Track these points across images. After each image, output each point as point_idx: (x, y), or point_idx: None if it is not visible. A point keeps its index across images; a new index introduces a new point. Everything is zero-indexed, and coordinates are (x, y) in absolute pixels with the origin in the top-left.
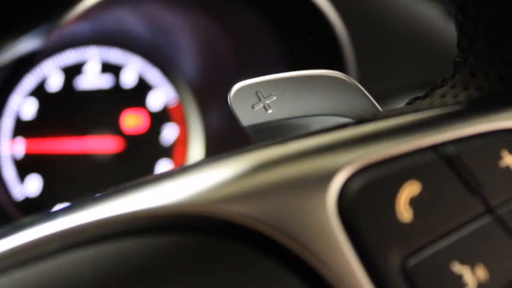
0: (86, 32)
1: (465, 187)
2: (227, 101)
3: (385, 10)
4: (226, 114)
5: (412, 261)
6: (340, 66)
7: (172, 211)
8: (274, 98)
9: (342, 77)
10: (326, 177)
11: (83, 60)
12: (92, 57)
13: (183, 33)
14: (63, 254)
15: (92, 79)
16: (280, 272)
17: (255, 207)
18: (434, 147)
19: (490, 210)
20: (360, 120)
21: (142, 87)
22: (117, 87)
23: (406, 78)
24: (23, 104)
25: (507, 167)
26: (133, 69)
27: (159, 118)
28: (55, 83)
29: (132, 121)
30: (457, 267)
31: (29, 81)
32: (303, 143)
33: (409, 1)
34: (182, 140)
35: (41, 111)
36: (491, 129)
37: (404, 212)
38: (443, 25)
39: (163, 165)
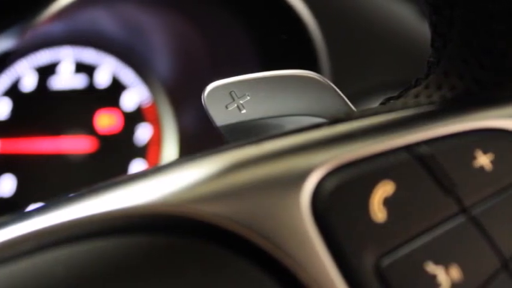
0: (59, 32)
1: (439, 187)
2: (201, 101)
3: (359, 10)
4: (200, 114)
5: (386, 261)
6: (314, 66)
7: (145, 211)
8: (248, 98)
9: (315, 77)
10: (300, 177)
11: (57, 60)
12: (66, 57)
13: (156, 33)
14: (37, 254)
15: (66, 79)
16: (254, 272)
17: (229, 207)
18: (408, 147)
19: (464, 210)
20: (333, 120)
21: (116, 87)
22: (90, 87)
23: (380, 78)
24: None
25: (481, 167)
26: (107, 69)
27: (133, 118)
28: (29, 83)
29: (106, 121)
30: (431, 267)
31: (3, 81)
32: (277, 143)
33: (383, 1)
34: (156, 140)
35: (14, 111)
36: (465, 129)
37: (378, 212)
38: (417, 25)
39: (137, 165)
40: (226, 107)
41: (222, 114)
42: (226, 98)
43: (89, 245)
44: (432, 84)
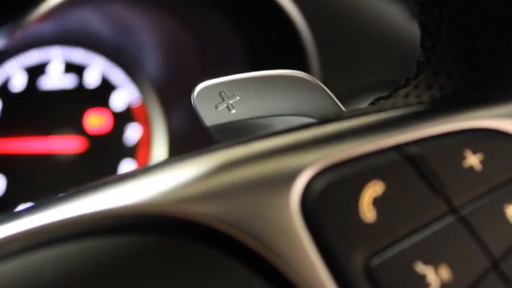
0: (49, 32)
1: (428, 187)
2: (190, 101)
3: (348, 10)
4: (189, 115)
5: (376, 261)
6: (303, 66)
7: (135, 211)
8: (238, 98)
9: (305, 77)
10: (289, 177)
11: (47, 60)
12: (56, 57)
13: (146, 33)
14: (26, 254)
15: (56, 79)
16: (244, 272)
17: (218, 208)
18: (397, 147)
19: (453, 210)
20: (323, 120)
21: (106, 87)
22: (80, 87)
23: (369, 78)
24: None
25: (470, 167)
26: (97, 69)
27: (123, 118)
28: (18, 83)
29: (95, 121)
30: (421, 267)
31: None
32: (267, 143)
33: (372, 1)
34: (145, 140)
35: (4, 111)
36: (454, 129)
37: (368, 212)
38: (406, 25)
39: (126, 165)
40: (216, 107)
41: (211, 114)
42: (215, 98)
43: (79, 245)
44: (421, 84)
